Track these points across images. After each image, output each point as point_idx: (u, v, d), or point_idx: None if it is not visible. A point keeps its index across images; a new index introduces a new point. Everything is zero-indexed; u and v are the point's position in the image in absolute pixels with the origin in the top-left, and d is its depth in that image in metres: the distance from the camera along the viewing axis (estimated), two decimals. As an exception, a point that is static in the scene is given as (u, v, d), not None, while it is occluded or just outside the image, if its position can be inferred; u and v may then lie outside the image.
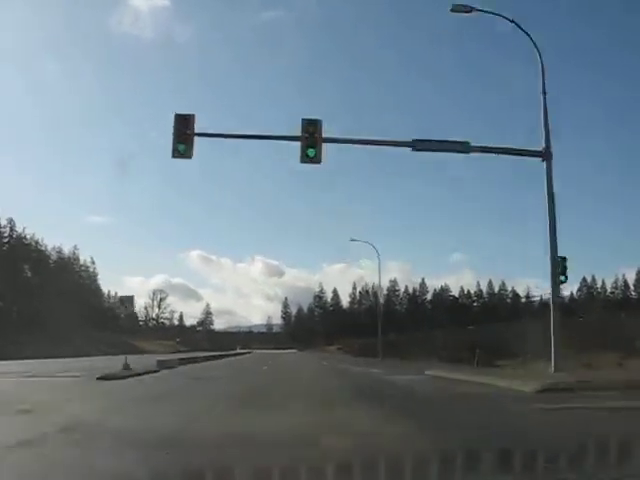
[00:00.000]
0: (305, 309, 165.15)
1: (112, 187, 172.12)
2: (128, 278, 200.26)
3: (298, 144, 19.93)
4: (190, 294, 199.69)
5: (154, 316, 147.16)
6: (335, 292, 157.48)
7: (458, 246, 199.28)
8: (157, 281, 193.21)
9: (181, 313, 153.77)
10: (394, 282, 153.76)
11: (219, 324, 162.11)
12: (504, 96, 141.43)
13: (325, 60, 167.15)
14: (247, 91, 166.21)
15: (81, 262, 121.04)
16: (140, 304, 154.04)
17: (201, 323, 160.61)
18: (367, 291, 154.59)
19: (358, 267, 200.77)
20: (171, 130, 19.41)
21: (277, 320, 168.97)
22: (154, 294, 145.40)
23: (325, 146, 20.08)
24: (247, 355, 79.29)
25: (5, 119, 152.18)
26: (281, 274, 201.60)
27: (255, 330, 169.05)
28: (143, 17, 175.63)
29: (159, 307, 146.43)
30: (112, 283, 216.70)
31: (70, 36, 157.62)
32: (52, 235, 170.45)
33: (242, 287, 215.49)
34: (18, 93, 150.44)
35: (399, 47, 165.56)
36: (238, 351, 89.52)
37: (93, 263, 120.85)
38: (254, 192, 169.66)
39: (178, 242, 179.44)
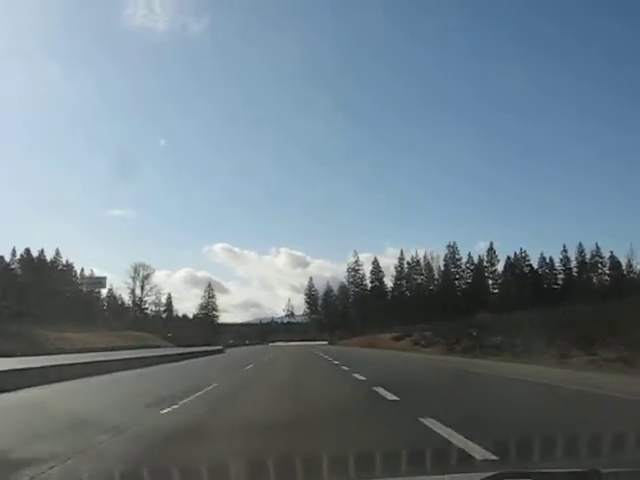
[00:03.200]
0: (335, 290, 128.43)
1: (133, 180, 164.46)
2: (155, 273, 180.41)
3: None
4: (215, 287, 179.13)
5: (137, 300, 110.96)
6: (375, 262, 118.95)
7: (482, 235, 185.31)
8: (182, 274, 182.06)
9: (169, 295, 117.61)
10: (453, 247, 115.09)
11: (245, 317, 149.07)
12: None
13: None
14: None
15: None
16: (118, 283, 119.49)
17: (204, 308, 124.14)
18: (417, 261, 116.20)
19: (385, 256, 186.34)
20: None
21: (305, 310, 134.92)
22: (135, 271, 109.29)
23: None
24: (202, 359, 35.14)
25: (28, 116, 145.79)
26: (306, 265, 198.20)
27: (285, 322, 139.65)
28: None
29: (142, 288, 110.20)
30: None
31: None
32: (71, 228, 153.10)
33: (268, 279, 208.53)
34: (48, 85, 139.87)
35: None
36: (208, 348, 47.92)
37: None
38: (275, 183, 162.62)
39: (202, 235, 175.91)
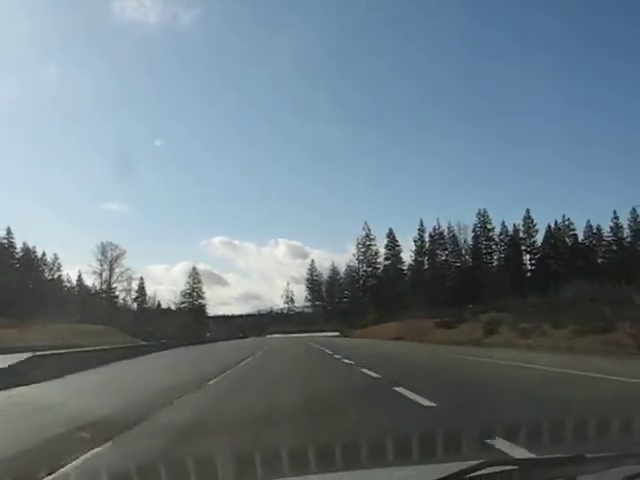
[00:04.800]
0: (342, 272, 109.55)
1: (128, 176, 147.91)
2: (151, 266, 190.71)
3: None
4: (215, 280, 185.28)
5: (104, 287, 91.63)
6: (391, 235, 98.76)
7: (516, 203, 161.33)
8: (181, 268, 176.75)
9: (142, 279, 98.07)
10: (483, 216, 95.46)
11: (246, 309, 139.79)
12: None
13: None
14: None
15: None
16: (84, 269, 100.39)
17: (189, 296, 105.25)
18: (441, 233, 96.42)
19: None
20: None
21: (306, 297, 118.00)
22: (102, 250, 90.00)
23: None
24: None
25: (22, 114, 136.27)
26: (305, 255, 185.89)
27: (285, 312, 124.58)
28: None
29: (110, 273, 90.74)
30: (137, 272, 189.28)
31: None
32: (66, 222, 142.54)
33: (267, 270, 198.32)
34: (38, 83, 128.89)
35: None
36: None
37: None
38: (272, 174, 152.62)
39: (200, 228, 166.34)
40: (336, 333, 76.33)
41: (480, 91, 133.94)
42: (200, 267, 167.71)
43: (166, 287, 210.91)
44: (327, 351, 27.67)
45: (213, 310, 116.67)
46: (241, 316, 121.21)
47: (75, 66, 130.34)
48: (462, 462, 2.27)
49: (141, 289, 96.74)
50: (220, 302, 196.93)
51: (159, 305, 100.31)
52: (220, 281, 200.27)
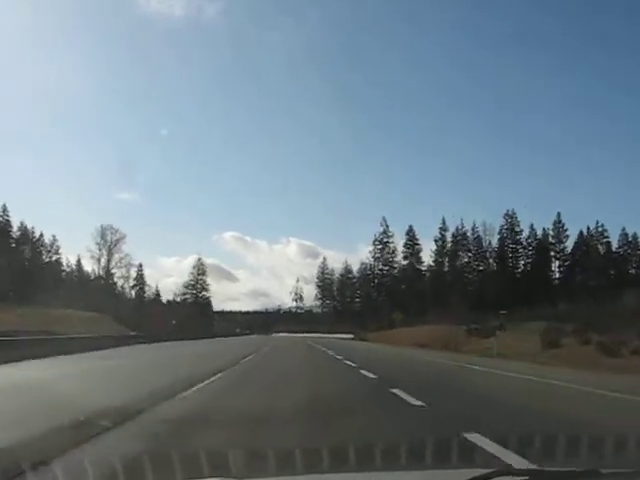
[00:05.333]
0: (355, 271, 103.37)
1: (142, 167, 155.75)
2: (163, 259, 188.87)
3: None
4: (225, 275, 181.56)
5: (101, 272, 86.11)
6: (411, 232, 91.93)
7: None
8: (191, 262, 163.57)
9: (140, 266, 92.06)
10: (512, 217, 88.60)
11: (255, 305, 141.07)
12: None
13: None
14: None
15: None
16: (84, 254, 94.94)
17: (192, 288, 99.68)
18: (464, 234, 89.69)
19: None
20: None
21: (316, 295, 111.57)
22: (102, 234, 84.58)
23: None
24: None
25: (43, 99, 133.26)
26: (316, 255, 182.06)
27: (294, 310, 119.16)
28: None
29: (108, 258, 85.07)
30: (147, 263, 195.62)
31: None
32: (79, 211, 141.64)
33: (278, 269, 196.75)
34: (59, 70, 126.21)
35: None
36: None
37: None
38: (288, 172, 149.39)
39: (212, 222, 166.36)
40: (349, 335, 70.26)
41: (498, 92, 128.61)
42: (210, 262, 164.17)
43: (174, 280, 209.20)
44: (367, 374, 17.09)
45: (221, 305, 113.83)
46: (248, 312, 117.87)
47: (98, 56, 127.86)
48: (473, 469, 2.21)
49: (140, 277, 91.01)
50: (229, 298, 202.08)
51: (158, 294, 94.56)
52: (230, 277, 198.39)
